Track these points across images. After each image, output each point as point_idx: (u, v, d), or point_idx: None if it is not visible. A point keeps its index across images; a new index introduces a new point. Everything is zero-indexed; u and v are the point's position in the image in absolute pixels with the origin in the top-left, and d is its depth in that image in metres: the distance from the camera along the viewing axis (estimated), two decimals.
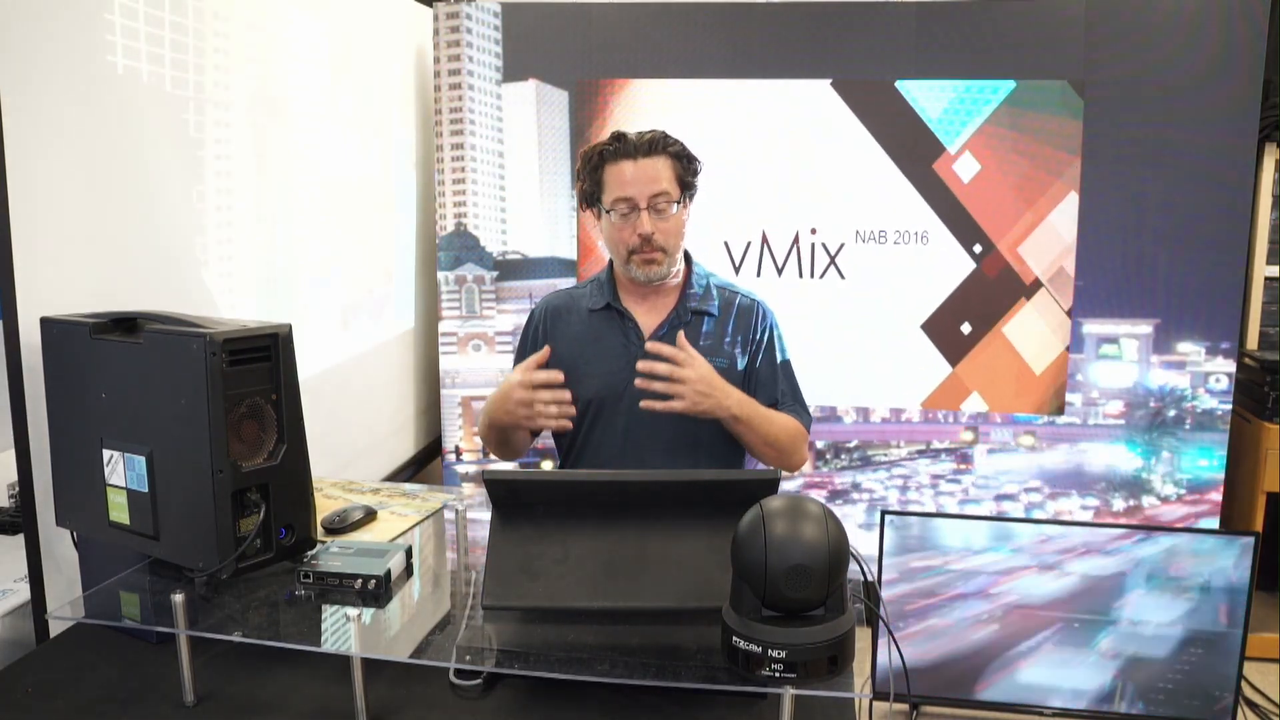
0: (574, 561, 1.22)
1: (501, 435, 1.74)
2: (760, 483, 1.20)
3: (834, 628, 1.03)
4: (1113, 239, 2.93)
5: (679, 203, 1.71)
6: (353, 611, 1.27)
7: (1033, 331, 3.02)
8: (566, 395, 1.61)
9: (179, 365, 1.25)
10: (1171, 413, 2.99)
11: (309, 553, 1.38)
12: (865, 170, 3.00)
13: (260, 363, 1.30)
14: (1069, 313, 2.99)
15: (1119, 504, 3.05)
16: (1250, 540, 2.33)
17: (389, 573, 1.34)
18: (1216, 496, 2.98)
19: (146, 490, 1.31)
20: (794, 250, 3.07)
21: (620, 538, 1.23)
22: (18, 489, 1.50)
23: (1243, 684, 2.41)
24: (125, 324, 1.36)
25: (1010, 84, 2.93)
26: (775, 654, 1.02)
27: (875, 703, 2.40)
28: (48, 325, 1.42)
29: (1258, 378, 3.01)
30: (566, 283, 3.04)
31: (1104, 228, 2.92)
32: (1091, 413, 3.03)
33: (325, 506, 1.63)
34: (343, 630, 1.26)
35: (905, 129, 2.98)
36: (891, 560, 2.44)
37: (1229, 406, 2.96)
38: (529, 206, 3.14)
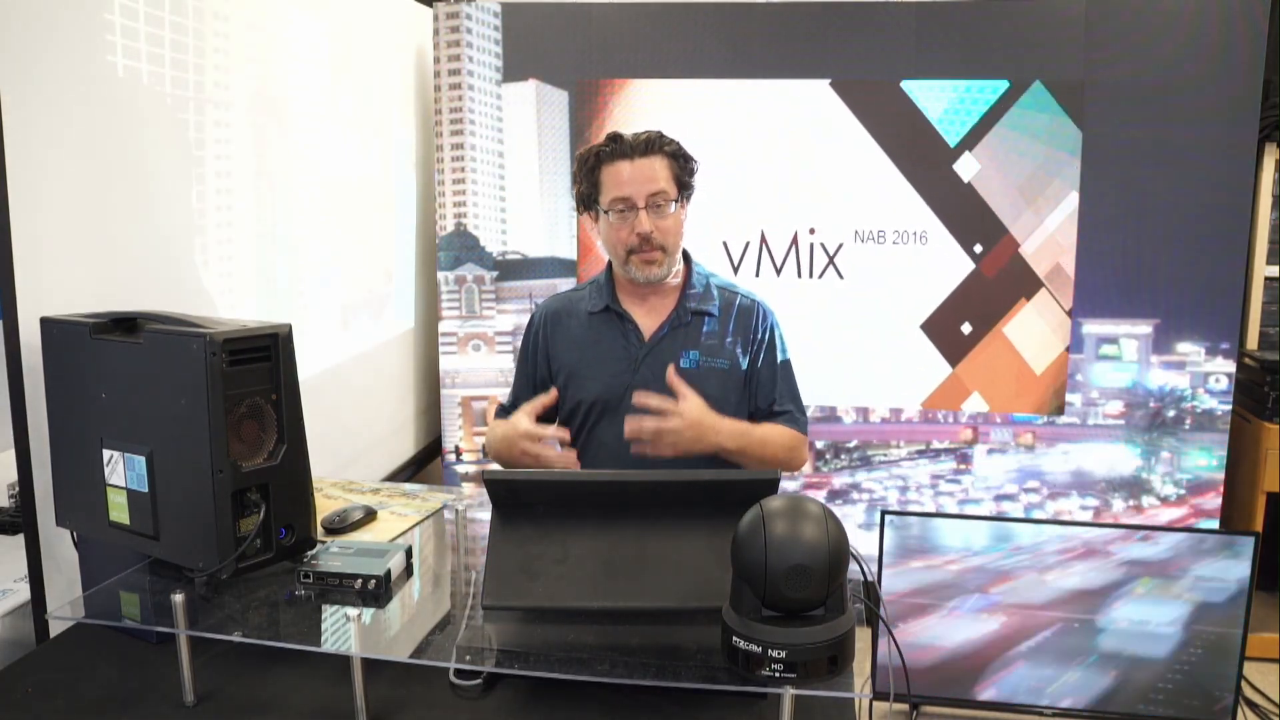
0: (574, 561, 1.22)
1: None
2: (760, 483, 1.20)
3: (834, 628, 1.03)
4: (1113, 239, 2.93)
5: (676, 202, 1.72)
6: (353, 611, 1.27)
7: (1033, 331, 3.02)
8: (573, 456, 1.66)
9: (179, 365, 1.25)
10: (1171, 413, 2.99)
11: (309, 553, 1.38)
12: (864, 170, 3.00)
13: (260, 363, 1.30)
14: (1069, 313, 2.99)
15: (1119, 504, 3.05)
16: (1250, 540, 2.32)
17: (389, 573, 1.34)
18: (1216, 496, 2.98)
19: (146, 490, 1.31)
20: (793, 250, 3.07)
21: (620, 538, 1.23)
22: (18, 489, 1.50)
23: (1243, 684, 2.40)
24: (125, 324, 1.36)
25: (1010, 84, 2.93)
26: (775, 654, 1.02)
27: (875, 703, 2.39)
28: (48, 325, 1.42)
29: (1257, 378, 3.00)
30: (566, 283, 3.04)
31: (1104, 228, 2.92)
32: (1091, 413, 3.03)
33: (325, 506, 1.63)
34: (343, 630, 1.26)
35: (905, 129, 2.98)
36: (891, 560, 2.44)
37: (1229, 406, 2.96)
38: (529, 206, 3.14)
